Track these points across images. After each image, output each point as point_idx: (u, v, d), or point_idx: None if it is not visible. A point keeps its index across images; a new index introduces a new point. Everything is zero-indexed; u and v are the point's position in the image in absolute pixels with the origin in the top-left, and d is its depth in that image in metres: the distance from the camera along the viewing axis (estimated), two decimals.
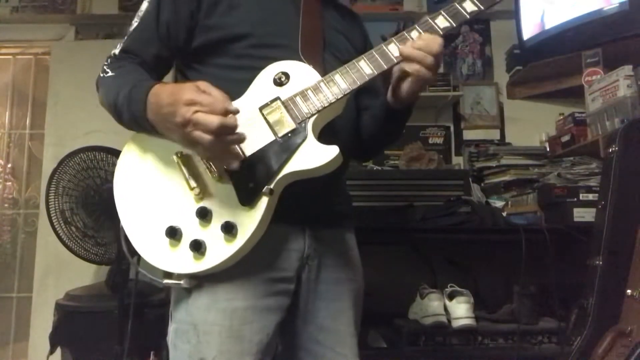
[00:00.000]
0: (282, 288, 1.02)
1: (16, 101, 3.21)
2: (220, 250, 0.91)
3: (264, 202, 0.91)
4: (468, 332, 1.79)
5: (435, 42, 0.96)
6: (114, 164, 2.17)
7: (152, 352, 2.12)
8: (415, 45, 0.97)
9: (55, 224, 2.18)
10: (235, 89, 0.97)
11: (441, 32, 0.99)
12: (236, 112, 0.87)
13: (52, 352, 2.19)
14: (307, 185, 0.94)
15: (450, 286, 1.90)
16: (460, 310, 1.79)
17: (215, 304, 0.96)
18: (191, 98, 0.85)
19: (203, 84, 0.88)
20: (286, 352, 1.10)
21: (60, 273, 2.66)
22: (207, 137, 0.84)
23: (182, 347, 0.97)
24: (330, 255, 1.10)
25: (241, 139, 0.89)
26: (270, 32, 1.05)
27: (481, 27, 2.90)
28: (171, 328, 1.01)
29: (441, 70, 2.81)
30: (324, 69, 1.02)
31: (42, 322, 2.50)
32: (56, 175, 2.19)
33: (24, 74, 3.20)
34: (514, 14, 2.61)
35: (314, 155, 0.92)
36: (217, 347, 0.94)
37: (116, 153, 2.21)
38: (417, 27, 1.00)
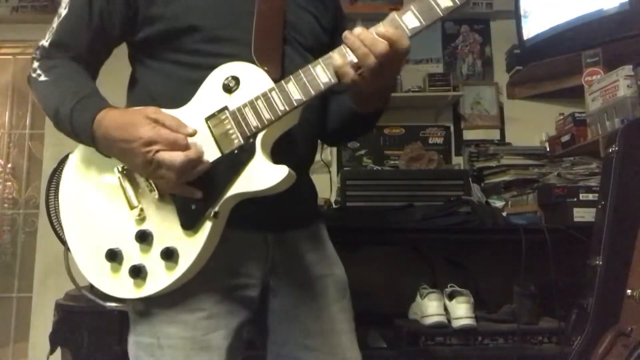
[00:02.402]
0: (244, 294, 0.96)
1: (16, 101, 3.21)
2: (160, 278, 0.86)
3: (207, 226, 0.84)
4: (468, 332, 1.79)
5: (382, 42, 0.80)
6: None
7: None
8: (362, 36, 0.81)
9: (55, 224, 2.18)
10: (183, 89, 0.90)
11: (409, 34, 0.82)
12: (194, 133, 0.83)
13: (52, 352, 2.19)
14: None
15: (450, 286, 1.89)
16: (460, 310, 1.78)
17: (177, 316, 0.90)
18: (149, 137, 0.80)
19: (153, 112, 0.83)
20: None
21: (60, 273, 2.65)
22: (172, 175, 0.80)
23: None
24: (299, 256, 1.03)
25: (206, 167, 0.83)
26: (220, 23, 0.94)
27: (481, 27, 2.90)
28: (131, 340, 0.95)
29: (441, 70, 2.82)
30: (282, 66, 0.93)
31: (42, 322, 2.51)
32: (56, 175, 2.18)
33: (24, 74, 3.18)
34: (514, 14, 2.62)
35: (262, 176, 0.84)
36: None
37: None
38: (382, 25, 0.83)
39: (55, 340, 2.19)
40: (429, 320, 1.80)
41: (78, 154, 0.96)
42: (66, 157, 2.19)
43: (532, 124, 2.71)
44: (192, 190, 0.84)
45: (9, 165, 3.23)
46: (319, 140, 1.17)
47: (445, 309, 1.82)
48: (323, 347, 1.02)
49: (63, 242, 2.18)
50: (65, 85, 0.92)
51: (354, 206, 2.05)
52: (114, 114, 0.86)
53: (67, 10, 0.95)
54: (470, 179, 2.23)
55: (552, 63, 2.48)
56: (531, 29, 2.53)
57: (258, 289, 0.98)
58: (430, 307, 1.81)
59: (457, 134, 2.81)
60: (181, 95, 0.90)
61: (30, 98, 3.16)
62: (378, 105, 0.98)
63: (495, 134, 2.80)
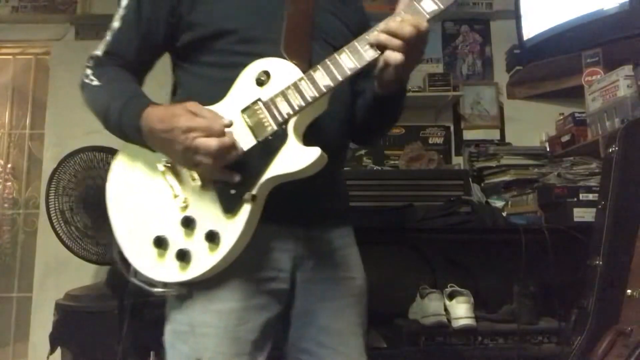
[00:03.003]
0: (274, 287, 1.00)
1: (16, 101, 3.21)
2: (205, 260, 0.91)
3: (246, 209, 0.90)
4: (468, 332, 1.79)
5: (407, 24, 0.88)
6: None
7: (152, 352, 2.12)
8: (385, 27, 0.90)
9: (55, 224, 2.18)
10: (220, 88, 0.96)
11: (427, 16, 0.91)
12: (230, 124, 0.89)
13: (52, 352, 2.19)
14: (298, 184, 0.92)
15: (450, 286, 1.89)
16: (460, 310, 1.79)
17: (211, 305, 0.96)
18: (187, 125, 0.87)
19: (192, 106, 0.90)
20: (288, 355, 1.08)
21: (60, 273, 2.66)
22: (209, 160, 0.86)
23: (180, 347, 0.98)
24: (325, 254, 1.07)
25: (239, 153, 0.89)
26: (253, 25, 1.02)
27: (481, 27, 2.90)
28: (168, 328, 1.01)
29: (441, 70, 2.82)
30: (311, 62, 0.98)
31: (42, 322, 2.50)
32: (56, 175, 2.19)
33: (24, 74, 3.20)
34: (514, 14, 2.62)
35: (295, 158, 0.90)
36: (212, 348, 0.95)
37: (116, 153, 2.21)
38: (402, 13, 0.91)
39: (55, 340, 2.19)
40: (429, 320, 1.80)
41: (124, 152, 1.03)
42: (66, 158, 2.20)
43: (532, 124, 2.71)
44: (231, 174, 0.90)
45: (9, 165, 3.22)
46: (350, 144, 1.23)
47: (445, 309, 1.82)
48: (337, 346, 1.06)
49: (63, 242, 2.18)
50: (115, 88, 1.01)
51: (354, 206, 2.05)
52: (159, 109, 0.94)
53: (119, 22, 1.05)
54: (470, 179, 2.23)
55: (552, 63, 2.48)
56: (531, 29, 2.53)
57: (288, 281, 1.02)
58: (430, 307, 1.81)
59: (457, 134, 2.81)
60: (217, 93, 0.96)
61: (31, 98, 3.16)
62: (397, 87, 1.02)
63: (495, 134, 2.80)
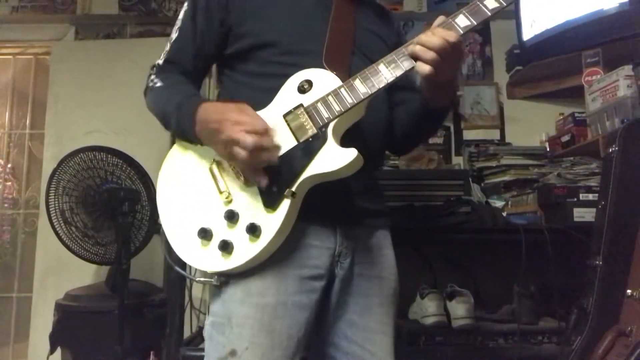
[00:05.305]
0: (313, 285, 1.05)
1: (16, 101, 3.22)
2: (246, 250, 0.97)
3: (286, 204, 0.97)
4: (468, 332, 1.79)
5: (436, 36, 0.94)
6: (114, 164, 2.20)
7: (152, 352, 2.12)
8: (418, 39, 0.96)
9: (55, 224, 2.18)
10: (262, 96, 1.03)
11: (461, 32, 0.98)
12: (271, 129, 0.95)
13: (52, 352, 2.19)
14: (337, 185, 0.99)
15: (450, 286, 1.89)
16: (460, 310, 1.78)
17: (249, 298, 1.00)
18: (237, 119, 0.94)
19: (243, 106, 0.97)
20: (316, 348, 1.12)
21: (60, 273, 2.66)
22: (243, 152, 0.92)
23: (217, 338, 1.02)
24: (361, 252, 1.12)
25: (274, 158, 0.95)
26: (297, 39, 1.09)
27: (481, 27, 2.90)
28: (208, 321, 1.06)
29: None
30: (350, 73, 1.04)
31: (42, 322, 2.51)
32: (56, 175, 2.19)
33: (24, 74, 3.20)
34: (514, 14, 2.61)
35: (333, 158, 0.96)
36: (248, 339, 0.99)
37: (116, 153, 2.22)
38: (437, 28, 0.99)
39: (55, 340, 2.19)
40: (429, 320, 1.80)
41: (175, 150, 1.10)
42: (66, 158, 2.21)
43: (532, 124, 2.71)
44: (261, 177, 0.96)
45: (9, 165, 3.23)
46: (385, 151, 1.30)
47: (445, 309, 1.82)
48: (363, 342, 1.09)
49: (63, 242, 2.18)
50: (177, 88, 1.10)
51: None
52: (216, 103, 1.05)
53: (177, 34, 1.15)
54: (470, 179, 2.23)
55: (552, 63, 2.48)
56: (531, 29, 2.53)
57: (325, 280, 1.07)
58: (430, 307, 1.81)
59: (457, 134, 2.80)
60: (259, 102, 1.02)
61: (31, 98, 3.16)
62: (445, 102, 1.09)
63: (495, 134, 2.80)
